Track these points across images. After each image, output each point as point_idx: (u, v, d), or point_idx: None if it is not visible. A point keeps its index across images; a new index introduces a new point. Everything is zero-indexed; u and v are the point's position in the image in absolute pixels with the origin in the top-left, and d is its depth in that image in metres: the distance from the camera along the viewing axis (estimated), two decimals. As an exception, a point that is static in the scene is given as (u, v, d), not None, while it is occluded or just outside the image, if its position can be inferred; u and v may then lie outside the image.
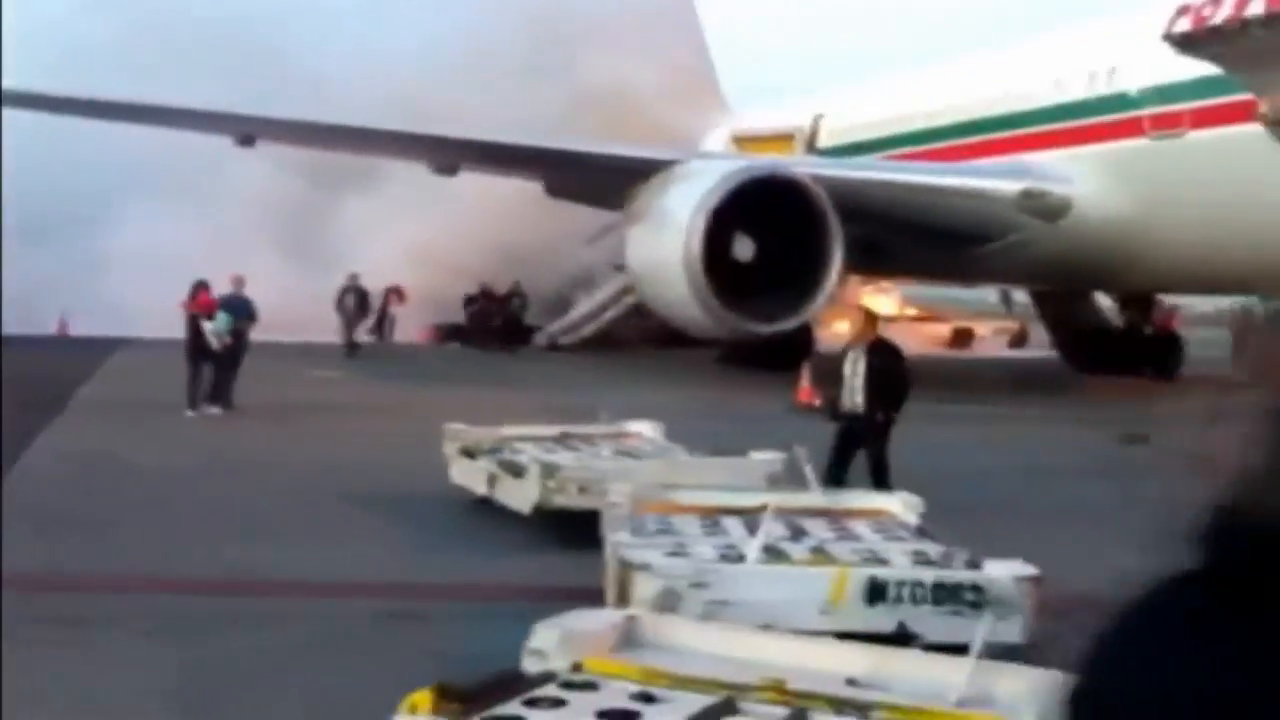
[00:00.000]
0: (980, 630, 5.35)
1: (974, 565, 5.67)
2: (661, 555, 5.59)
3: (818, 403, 18.15)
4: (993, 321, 38.92)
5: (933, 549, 6.14)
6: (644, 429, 10.33)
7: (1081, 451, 14.22)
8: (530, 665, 4.28)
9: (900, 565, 5.66)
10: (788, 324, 19.79)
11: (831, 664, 4.31)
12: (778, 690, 3.92)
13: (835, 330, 36.48)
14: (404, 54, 31.15)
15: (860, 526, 6.78)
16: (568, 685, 4.10)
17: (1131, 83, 19.38)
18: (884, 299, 41.19)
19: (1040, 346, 30.84)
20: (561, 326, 30.05)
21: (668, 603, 5.26)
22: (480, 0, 34.50)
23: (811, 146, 28.48)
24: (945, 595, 5.41)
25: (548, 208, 27.72)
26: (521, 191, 27.58)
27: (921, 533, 6.67)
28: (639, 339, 28.30)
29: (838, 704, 3.88)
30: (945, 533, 6.67)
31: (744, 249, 20.64)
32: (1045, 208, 20.74)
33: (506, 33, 33.46)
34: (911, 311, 41.04)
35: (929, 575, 5.48)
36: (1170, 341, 27.11)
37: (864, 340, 9.64)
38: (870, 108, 26.47)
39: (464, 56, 31.64)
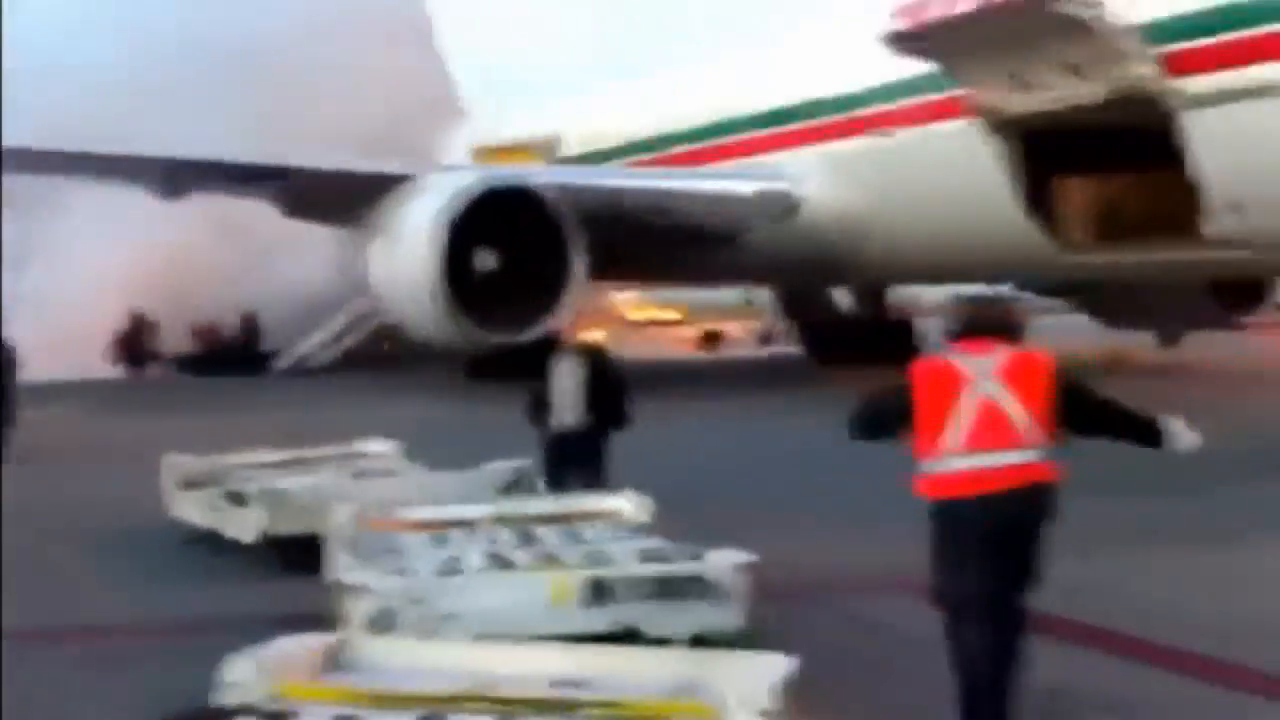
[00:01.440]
0: (688, 620, 5.41)
1: (696, 557, 5.67)
2: (378, 575, 5.39)
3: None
4: (742, 321, 39.93)
5: (659, 545, 6.13)
6: (379, 447, 10.05)
7: (808, 440, 14.60)
8: (228, 698, 4.03)
9: (621, 564, 5.61)
10: (532, 333, 19.71)
11: (544, 667, 4.22)
12: (483, 699, 3.80)
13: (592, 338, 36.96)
14: (103, 76, 29.72)
15: (590, 529, 6.71)
16: (265, 715, 3.89)
17: (851, 83, 20.12)
18: (636, 305, 41.89)
19: (790, 343, 31.76)
20: (308, 348, 29.29)
21: (385, 622, 5.07)
22: (192, 13, 33.23)
23: (555, 156, 28.59)
24: (666, 589, 5.40)
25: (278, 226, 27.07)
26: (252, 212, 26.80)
27: (650, 531, 6.65)
28: (388, 357, 27.87)
29: (544, 705, 3.78)
30: (677, 528, 6.69)
31: (486, 261, 20.53)
32: (778, 207, 21.34)
33: (217, 50, 32.35)
34: (662, 315, 41.78)
35: (649, 571, 5.46)
36: (904, 329, 28.33)
37: (575, 347, 9.23)
38: (610, 116, 26.72)
39: (171, 76, 30.54)
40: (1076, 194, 17.85)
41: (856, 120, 20.11)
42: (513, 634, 5.06)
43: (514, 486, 8.54)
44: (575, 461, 8.71)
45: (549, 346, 22.79)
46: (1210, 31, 14.41)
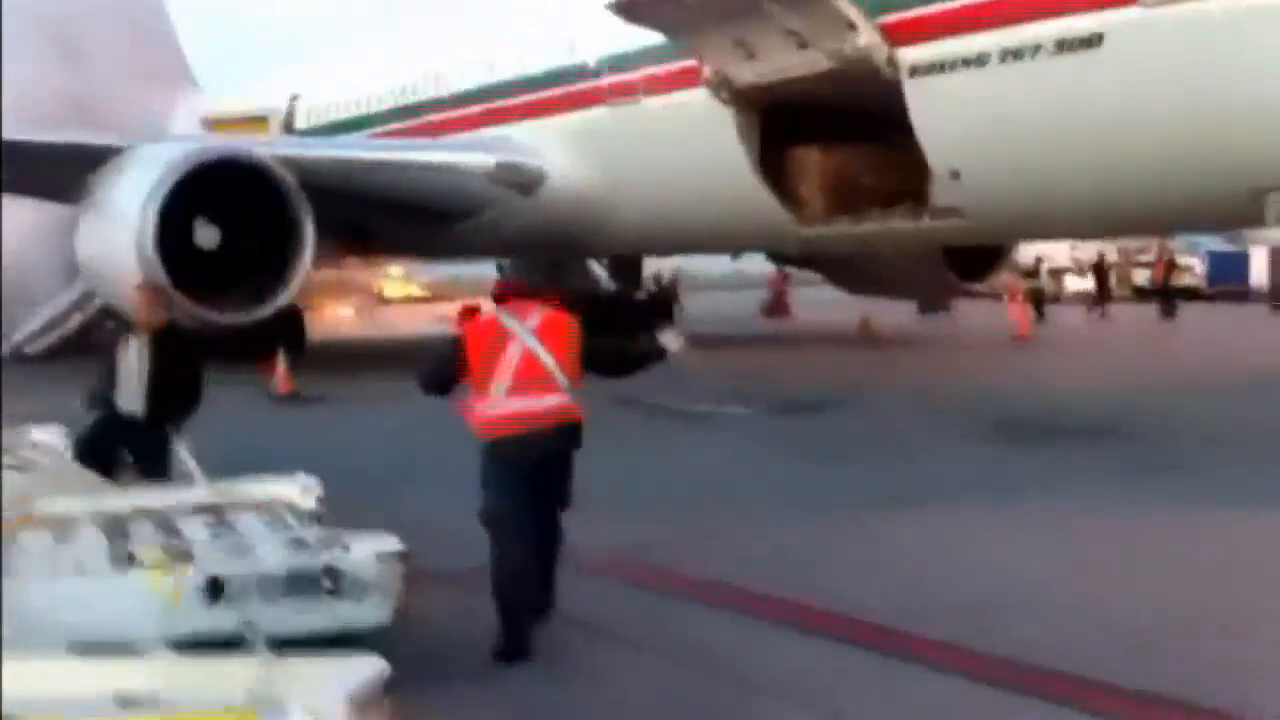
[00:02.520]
0: (322, 618, 4.89)
1: (345, 548, 5.12)
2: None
3: (296, 389, 17.52)
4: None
5: (316, 534, 5.55)
6: (44, 436, 9.08)
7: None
8: None
9: (251, 558, 5.02)
10: (260, 312, 18.66)
11: (105, 683, 3.60)
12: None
13: (333, 316, 35.79)
14: None
15: (245, 519, 6.07)
16: None
17: (591, 52, 19.73)
18: (395, 281, 40.85)
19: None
20: (26, 334, 27.22)
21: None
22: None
23: (289, 128, 27.40)
24: (297, 585, 4.85)
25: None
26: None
27: (316, 517, 6.05)
28: (118, 341, 26.15)
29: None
30: (352, 510, 6.16)
31: (208, 237, 19.36)
32: (520, 180, 20.80)
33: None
34: (418, 292, 40.90)
35: (277, 565, 4.88)
36: (663, 304, 28.36)
37: (149, 326, 8.12)
38: (347, 86, 25.69)
39: None
40: (812, 166, 17.89)
41: (598, 90, 19.73)
42: (121, 641, 4.43)
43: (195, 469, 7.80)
44: (135, 450, 7.86)
45: (284, 324, 22.18)
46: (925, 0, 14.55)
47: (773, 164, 17.81)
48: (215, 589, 4.73)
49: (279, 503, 6.46)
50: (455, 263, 35.73)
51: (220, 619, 4.71)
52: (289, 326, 22.77)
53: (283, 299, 18.88)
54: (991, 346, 22.81)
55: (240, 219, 18.98)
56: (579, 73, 19.92)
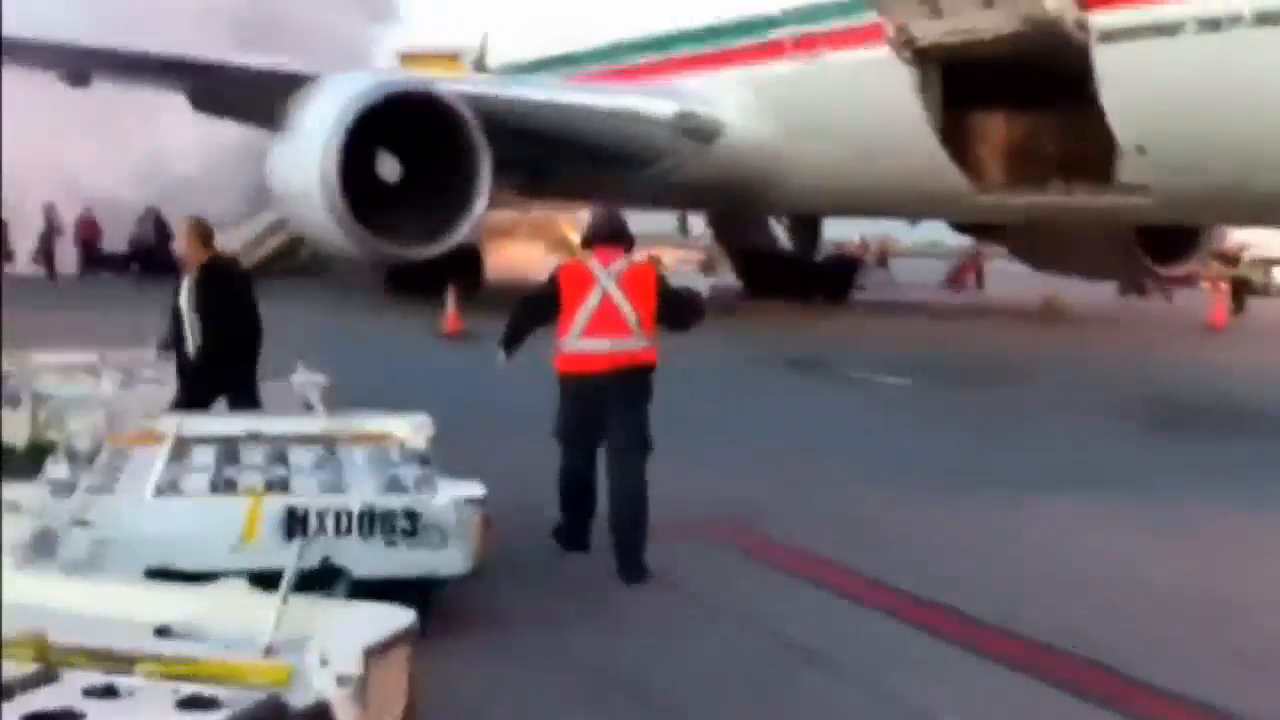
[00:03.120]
0: (401, 562, 4.94)
1: (430, 492, 5.17)
2: (41, 492, 4.87)
3: (464, 329, 17.80)
4: (685, 250, 39.36)
5: (416, 475, 5.62)
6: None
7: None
8: None
9: (337, 494, 5.10)
10: (436, 248, 19.06)
11: (146, 612, 3.69)
12: (33, 646, 3.29)
13: (521, 259, 36.26)
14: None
15: (353, 454, 6.19)
16: None
17: (773, 5, 19.42)
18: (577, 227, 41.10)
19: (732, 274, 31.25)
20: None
21: (44, 546, 4.56)
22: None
23: (481, 66, 27.79)
24: (374, 524, 4.91)
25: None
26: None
27: (423, 458, 6.12)
28: (310, 266, 27.14)
29: (98, 657, 3.27)
30: (462, 455, 6.24)
31: (390, 170, 19.82)
32: (698, 130, 20.69)
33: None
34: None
35: (354, 503, 4.95)
36: (843, 268, 27.91)
37: (196, 264, 7.68)
38: (536, 28, 25.89)
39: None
40: (995, 132, 17.35)
41: (778, 44, 19.42)
42: (194, 568, 4.58)
43: (320, 401, 8.00)
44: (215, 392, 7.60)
45: (468, 262, 22.60)
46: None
47: (954, 127, 17.29)
48: (293, 521, 4.81)
49: (390, 440, 6.59)
50: (642, 210, 35.94)
51: (300, 555, 4.80)
52: (466, 265, 23.24)
53: (458, 236, 19.23)
54: (1180, 334, 21.76)
55: (423, 154, 19.36)
56: (763, 24, 19.61)
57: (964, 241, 29.89)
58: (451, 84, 20.06)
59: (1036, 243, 23.29)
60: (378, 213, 18.94)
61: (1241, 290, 27.38)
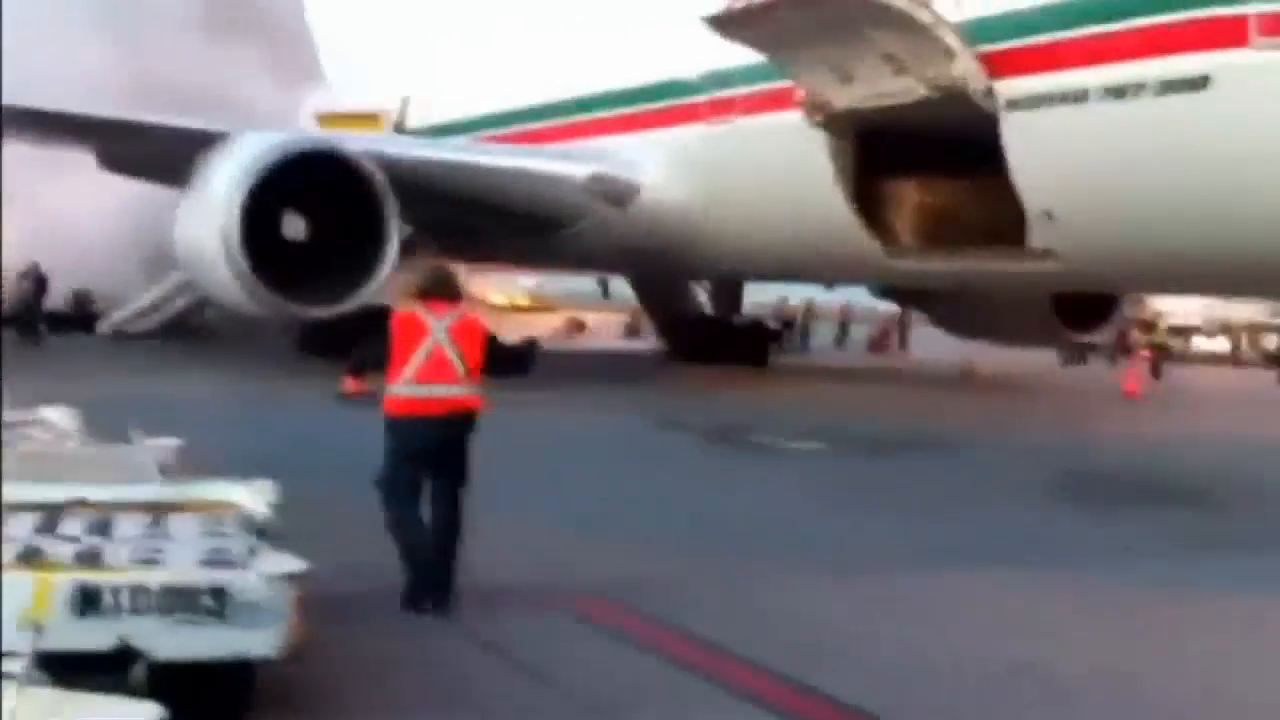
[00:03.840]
0: (206, 643, 4.49)
1: (229, 564, 4.72)
2: None
3: (365, 390, 17.30)
4: (605, 313, 39.16)
5: (245, 546, 5.17)
6: (54, 416, 8.91)
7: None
8: None
9: (126, 566, 4.64)
10: (342, 307, 18.59)
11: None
12: None
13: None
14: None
15: (184, 523, 5.73)
16: None
17: (691, 68, 19.33)
18: (502, 289, 40.84)
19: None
20: (129, 313, 27.73)
21: None
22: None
23: (400, 128, 27.52)
24: (177, 602, 4.45)
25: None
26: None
27: (259, 530, 5.67)
28: (218, 327, 26.53)
29: None
30: (301, 521, 5.81)
31: (296, 228, 19.38)
32: (614, 193, 20.48)
33: None
34: (523, 301, 40.86)
35: (156, 578, 4.49)
36: (760, 331, 27.78)
37: None
38: (456, 90, 25.70)
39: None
40: (908, 197, 17.30)
41: (695, 107, 19.32)
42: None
43: (173, 467, 7.53)
44: None
45: (372, 322, 22.10)
46: (1027, 33, 13.82)
47: (867, 193, 17.21)
48: (88, 599, 4.36)
49: (227, 508, 6.14)
50: (562, 273, 35.73)
51: (92, 633, 4.35)
52: (377, 325, 22.74)
53: (364, 295, 18.76)
54: (1096, 400, 21.78)
55: (331, 213, 18.97)
56: (678, 88, 19.52)
57: (890, 305, 29.97)
58: (360, 143, 19.69)
59: (957, 309, 23.27)
60: (284, 272, 18.48)
61: (1159, 358, 27.61)
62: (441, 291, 6.81)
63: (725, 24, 15.84)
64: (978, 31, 14.24)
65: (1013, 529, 9.39)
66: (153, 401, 12.61)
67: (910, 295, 24.48)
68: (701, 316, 28.00)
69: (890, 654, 5.94)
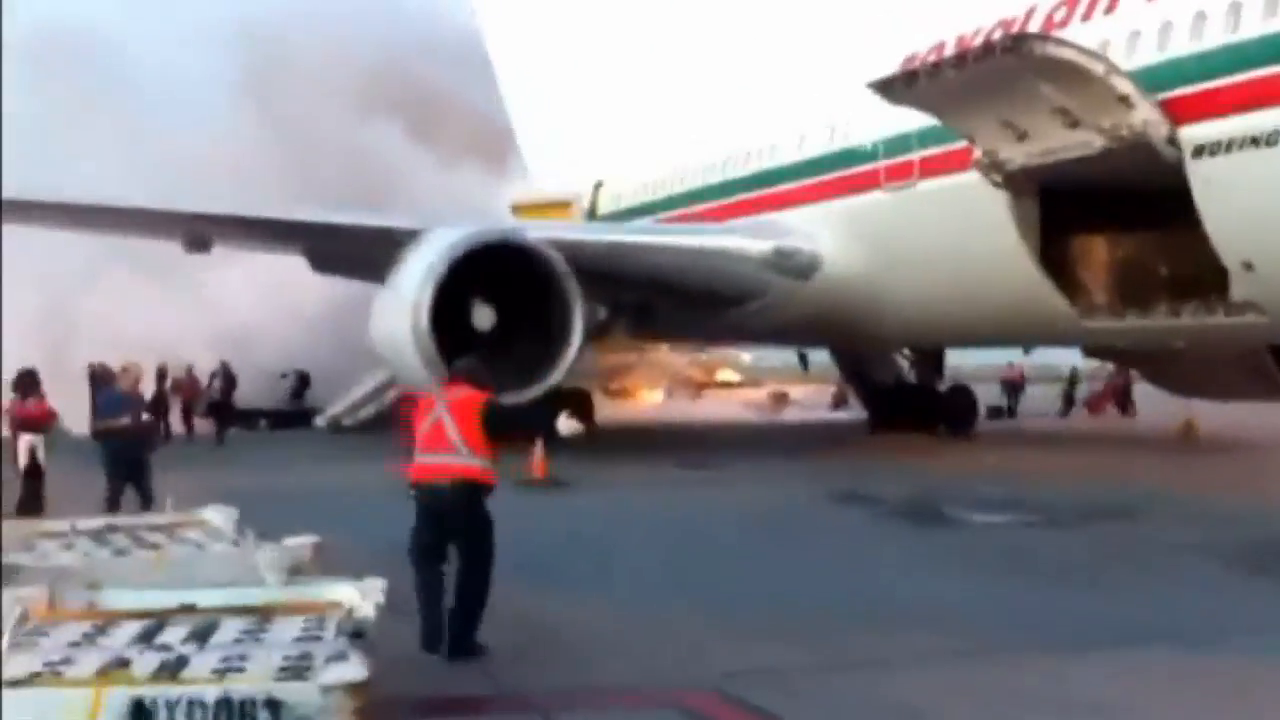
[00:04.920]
0: None
1: (298, 675, 4.69)
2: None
3: (549, 475, 17.43)
4: (809, 385, 38.66)
5: (333, 651, 5.15)
6: (213, 517, 9.19)
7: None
8: None
9: (188, 676, 4.65)
10: (530, 393, 18.81)
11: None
12: None
13: (643, 399, 36.02)
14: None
15: (286, 626, 5.77)
16: None
17: (866, 135, 19.02)
18: (709, 367, 40.86)
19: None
20: (344, 408, 28.84)
21: None
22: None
23: (593, 214, 27.97)
24: (231, 715, 4.43)
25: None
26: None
27: (359, 632, 5.65)
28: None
29: None
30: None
31: (483, 317, 19.79)
32: (795, 266, 20.25)
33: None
34: (732, 378, 40.72)
35: (210, 693, 4.48)
36: (963, 398, 26.92)
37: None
38: (642, 173, 25.98)
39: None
40: (1097, 255, 16.47)
41: (874, 173, 18.96)
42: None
43: (308, 565, 7.64)
44: None
45: (570, 404, 22.43)
46: (1211, 75, 13.04)
47: (1055, 251, 16.49)
48: (140, 714, 4.38)
49: (335, 609, 6.16)
50: (765, 348, 35.56)
51: (139, 749, 4.36)
52: (573, 408, 22.99)
53: (551, 381, 18.97)
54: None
55: (516, 302, 19.33)
56: (855, 156, 19.21)
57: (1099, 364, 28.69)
58: (543, 231, 20.04)
59: (1169, 366, 22.05)
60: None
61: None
62: (456, 376, 7.94)
63: (890, 88, 15.51)
64: (1155, 76, 13.52)
65: (1192, 607, 8.64)
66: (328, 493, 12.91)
67: (1121, 354, 23.33)
68: (903, 384, 27.31)
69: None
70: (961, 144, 16.68)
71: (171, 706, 4.42)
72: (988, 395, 30.08)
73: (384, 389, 28.06)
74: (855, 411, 31.00)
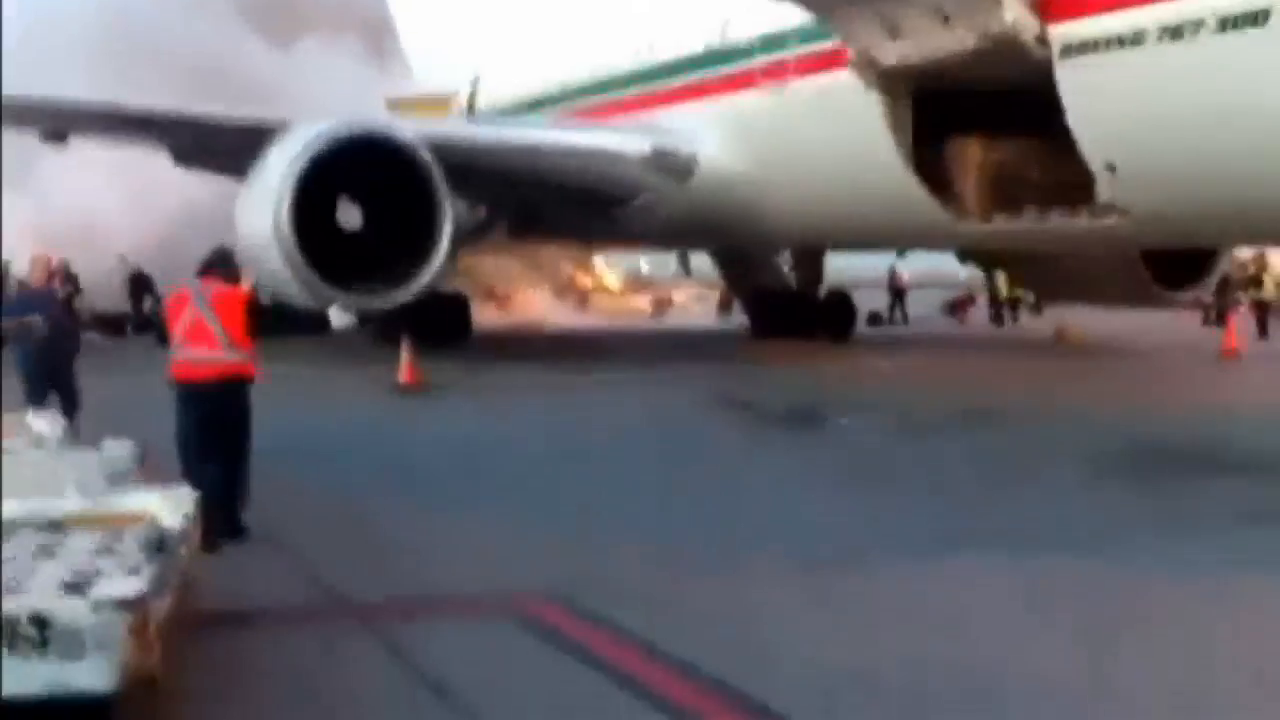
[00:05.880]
0: (29, 676, 4.11)
1: (79, 591, 4.36)
2: None
3: (420, 380, 17.07)
4: (695, 289, 38.45)
5: (122, 565, 4.83)
6: (38, 424, 8.70)
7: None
8: None
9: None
10: (398, 297, 18.35)
11: None
12: None
13: (527, 305, 35.58)
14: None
15: (83, 540, 5.41)
16: None
17: (744, 33, 18.65)
18: (583, 272, 40.25)
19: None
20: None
21: None
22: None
23: (471, 110, 27.26)
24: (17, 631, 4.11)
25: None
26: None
27: (159, 545, 5.32)
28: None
29: None
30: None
31: (351, 216, 19.20)
32: (674, 165, 19.92)
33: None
34: (613, 284, 40.28)
35: (-28, 610, 4.14)
36: (844, 305, 26.94)
37: None
38: (520, 70, 25.34)
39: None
40: (969, 158, 16.38)
41: (750, 72, 18.64)
42: None
43: (126, 474, 7.24)
44: None
45: (447, 308, 22.02)
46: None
47: (928, 154, 16.37)
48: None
49: (143, 520, 5.82)
50: (639, 250, 35.28)
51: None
52: (451, 312, 22.61)
53: (419, 284, 18.46)
54: (1190, 361, 20.61)
55: (385, 200, 18.75)
56: (733, 54, 18.86)
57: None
58: (413, 127, 19.37)
59: (1040, 271, 22.26)
60: (342, 263, 18.29)
61: (1265, 313, 26.12)
62: (210, 269, 8.01)
63: (767, -17, 15.16)
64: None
65: (1050, 513, 8.64)
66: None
67: (995, 258, 23.48)
68: (785, 291, 27.22)
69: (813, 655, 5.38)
70: (837, 43, 16.41)
71: (-66, 625, 4.07)
72: (874, 302, 30.22)
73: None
74: (741, 317, 31.02)
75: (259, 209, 18.00)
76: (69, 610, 4.19)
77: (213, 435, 7.69)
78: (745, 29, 18.65)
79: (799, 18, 16.73)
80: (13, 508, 5.94)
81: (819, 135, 17.45)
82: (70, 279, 25.19)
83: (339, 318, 10.38)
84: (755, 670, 5.17)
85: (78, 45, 28.93)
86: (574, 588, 6.47)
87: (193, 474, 7.22)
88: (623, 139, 20.31)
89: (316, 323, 25.06)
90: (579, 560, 7.19)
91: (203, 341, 7.66)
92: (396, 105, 27.29)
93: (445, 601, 6.45)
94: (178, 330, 7.75)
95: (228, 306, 7.71)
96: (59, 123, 23.22)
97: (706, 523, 8.26)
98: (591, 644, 5.61)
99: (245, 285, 8.18)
